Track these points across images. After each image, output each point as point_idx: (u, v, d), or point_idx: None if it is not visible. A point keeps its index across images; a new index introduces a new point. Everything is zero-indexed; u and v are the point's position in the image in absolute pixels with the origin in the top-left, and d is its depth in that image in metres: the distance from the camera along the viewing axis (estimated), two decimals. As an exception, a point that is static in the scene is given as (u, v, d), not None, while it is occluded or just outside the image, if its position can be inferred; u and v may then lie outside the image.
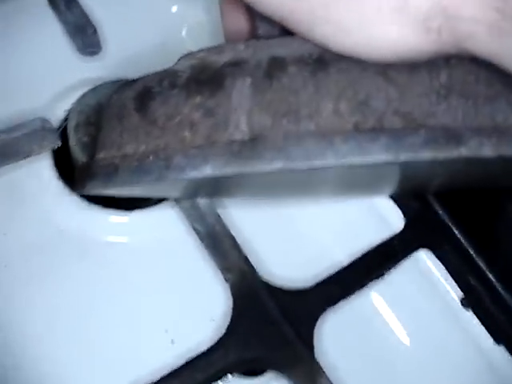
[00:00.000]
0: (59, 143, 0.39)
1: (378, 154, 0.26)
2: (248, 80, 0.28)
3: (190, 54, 0.31)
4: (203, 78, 0.29)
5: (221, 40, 0.46)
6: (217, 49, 0.30)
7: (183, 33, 0.48)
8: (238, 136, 0.27)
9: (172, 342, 0.39)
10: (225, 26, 0.34)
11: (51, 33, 0.44)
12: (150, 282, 0.40)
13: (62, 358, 0.37)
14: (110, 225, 0.41)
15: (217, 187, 0.36)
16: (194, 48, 0.48)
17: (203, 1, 0.48)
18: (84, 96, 0.42)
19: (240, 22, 0.32)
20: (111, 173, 0.30)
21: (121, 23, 0.45)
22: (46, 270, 0.39)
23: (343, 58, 0.27)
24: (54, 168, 0.41)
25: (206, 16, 0.48)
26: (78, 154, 0.41)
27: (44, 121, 0.39)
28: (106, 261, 0.40)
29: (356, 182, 0.38)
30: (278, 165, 0.26)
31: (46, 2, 0.44)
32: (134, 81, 0.32)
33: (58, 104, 0.43)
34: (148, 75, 0.31)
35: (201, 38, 0.48)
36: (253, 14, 0.31)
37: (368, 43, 0.25)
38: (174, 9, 0.48)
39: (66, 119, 0.42)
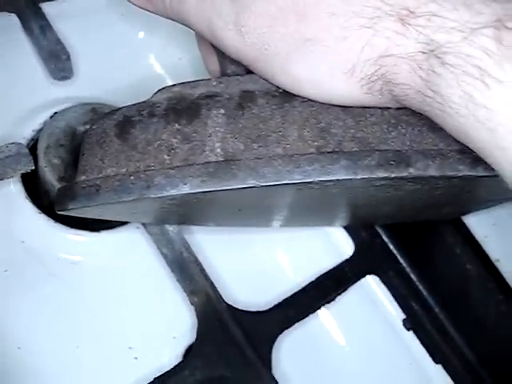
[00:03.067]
0: (33, 167, 0.41)
1: (339, 174, 0.29)
2: (222, 110, 0.31)
3: (165, 88, 0.33)
4: (180, 108, 0.32)
5: (187, 64, 0.49)
6: (191, 84, 0.33)
7: (151, 58, 0.50)
8: (213, 158, 0.30)
9: (136, 358, 0.41)
10: (206, 64, 0.38)
11: (24, 55, 0.45)
12: (117, 300, 0.41)
13: (30, 372, 0.39)
14: (78, 244, 0.42)
15: (186, 212, 0.38)
16: (162, 73, 0.50)
17: (167, 26, 0.50)
18: (54, 119, 0.44)
19: (216, 62, 0.36)
20: (93, 193, 0.32)
21: (92, 49, 0.47)
22: (11, 285, 0.40)
23: None
24: (23, 187, 0.42)
25: (171, 40, 0.50)
26: (48, 176, 0.42)
27: (19, 146, 0.40)
28: (72, 279, 0.41)
29: (313, 211, 0.41)
30: (250, 183, 0.30)
31: (20, 27, 0.45)
32: (113, 112, 0.34)
33: (27, 124, 0.44)
34: (126, 106, 0.34)
35: (168, 63, 0.50)
36: (224, 56, 0.34)
37: (321, 96, 0.30)
38: (141, 35, 0.50)
39: (33, 139, 0.44)
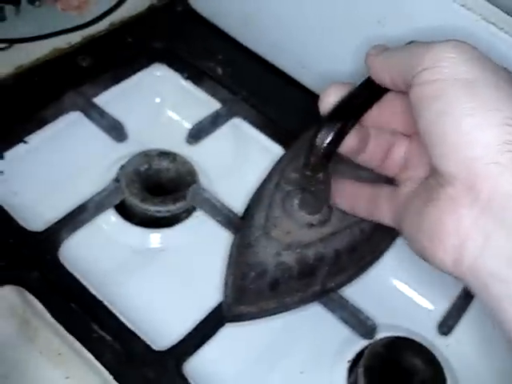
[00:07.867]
0: (124, 197, 0.64)
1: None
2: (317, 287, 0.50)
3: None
4: (301, 272, 0.48)
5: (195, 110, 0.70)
6: (308, 245, 0.48)
7: (169, 113, 0.73)
8: None
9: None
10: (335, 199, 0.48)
11: (94, 133, 0.66)
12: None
13: (157, 305, 0.59)
14: (160, 239, 0.64)
15: None
16: (178, 119, 0.73)
17: (176, 94, 0.73)
18: (124, 166, 0.65)
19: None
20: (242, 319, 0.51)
21: (135, 118, 0.68)
22: (131, 272, 0.61)
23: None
24: (117, 213, 0.64)
25: (181, 100, 0.73)
26: (132, 201, 0.63)
27: (114, 183, 0.62)
28: (163, 260, 0.62)
29: None
30: None
31: (85, 117, 0.67)
32: (260, 272, 0.48)
33: (107, 174, 0.65)
34: (272, 266, 0.48)
35: (183, 113, 0.72)
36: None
37: (423, 257, 0.39)
38: (158, 100, 0.73)
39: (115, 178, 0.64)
